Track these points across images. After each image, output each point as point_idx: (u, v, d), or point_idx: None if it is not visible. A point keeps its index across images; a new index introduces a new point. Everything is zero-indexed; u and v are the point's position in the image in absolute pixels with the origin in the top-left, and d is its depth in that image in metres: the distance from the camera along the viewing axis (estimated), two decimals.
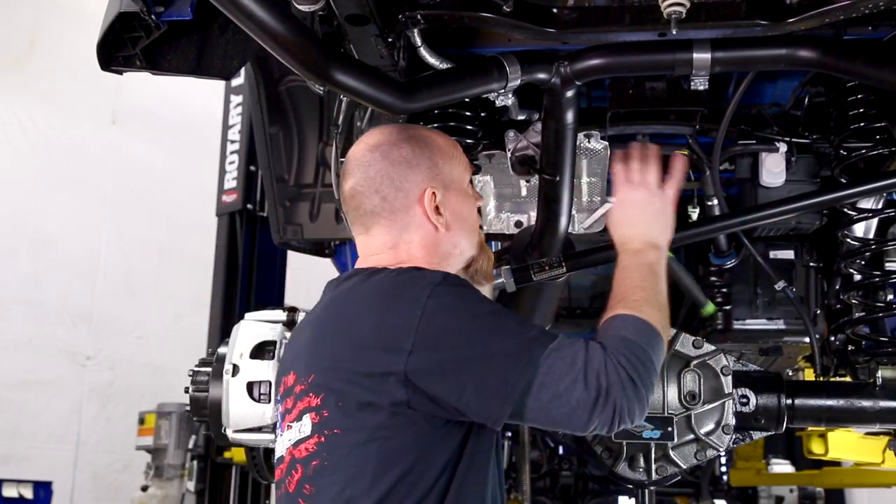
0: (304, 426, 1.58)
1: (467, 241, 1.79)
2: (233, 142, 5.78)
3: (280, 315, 2.50)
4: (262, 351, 2.40)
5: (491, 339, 1.48)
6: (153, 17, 1.85)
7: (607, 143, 2.38)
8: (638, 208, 1.82)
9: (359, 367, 1.52)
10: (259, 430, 2.37)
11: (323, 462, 1.54)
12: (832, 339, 2.78)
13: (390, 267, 1.65)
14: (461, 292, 1.56)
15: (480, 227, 1.85)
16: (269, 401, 2.33)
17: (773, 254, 2.91)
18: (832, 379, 2.80)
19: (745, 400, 2.35)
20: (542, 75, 1.95)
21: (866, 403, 2.39)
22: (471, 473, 1.54)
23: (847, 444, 4.59)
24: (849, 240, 2.48)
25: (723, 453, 2.41)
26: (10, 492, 6.31)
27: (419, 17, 1.86)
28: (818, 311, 2.92)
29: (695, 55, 1.87)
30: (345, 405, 1.53)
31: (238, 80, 5.45)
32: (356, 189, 1.73)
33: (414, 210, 1.71)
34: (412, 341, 1.48)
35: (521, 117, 2.27)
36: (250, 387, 2.35)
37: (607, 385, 1.44)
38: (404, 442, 1.49)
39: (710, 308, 1.92)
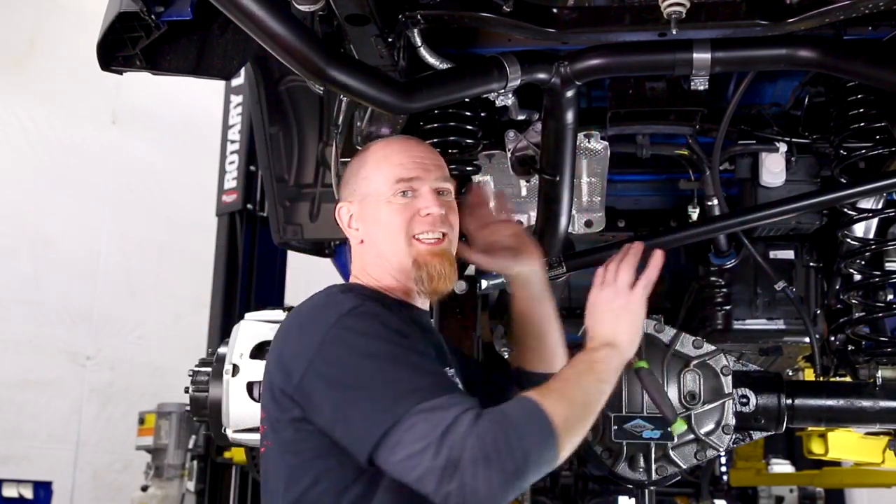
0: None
1: (388, 249, 1.70)
2: (233, 142, 5.78)
3: (280, 315, 2.50)
4: (262, 351, 2.41)
5: (372, 382, 1.44)
6: (153, 17, 1.85)
7: (607, 143, 2.38)
8: (604, 306, 1.72)
9: (275, 385, 1.57)
10: (259, 430, 2.37)
11: (264, 472, 1.65)
12: (832, 339, 2.78)
13: (338, 283, 1.76)
14: (366, 326, 1.50)
15: (424, 240, 1.70)
16: None
17: (773, 254, 2.91)
18: (832, 379, 2.80)
19: (745, 400, 2.35)
20: (542, 75, 1.95)
21: (866, 403, 2.40)
22: (389, 493, 1.49)
23: (847, 444, 4.59)
24: (849, 240, 2.48)
25: (723, 453, 2.41)
26: (10, 492, 6.31)
27: (419, 17, 1.86)
28: (818, 311, 2.92)
29: (695, 55, 1.87)
30: (269, 420, 1.60)
31: (238, 80, 5.45)
32: None
33: (341, 226, 1.80)
34: (304, 368, 1.49)
35: (521, 117, 2.27)
36: (250, 387, 2.35)
37: (458, 459, 1.33)
38: (307, 457, 1.52)
39: (678, 426, 1.79)
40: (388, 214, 1.70)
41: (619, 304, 1.71)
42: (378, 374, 1.44)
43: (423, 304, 1.77)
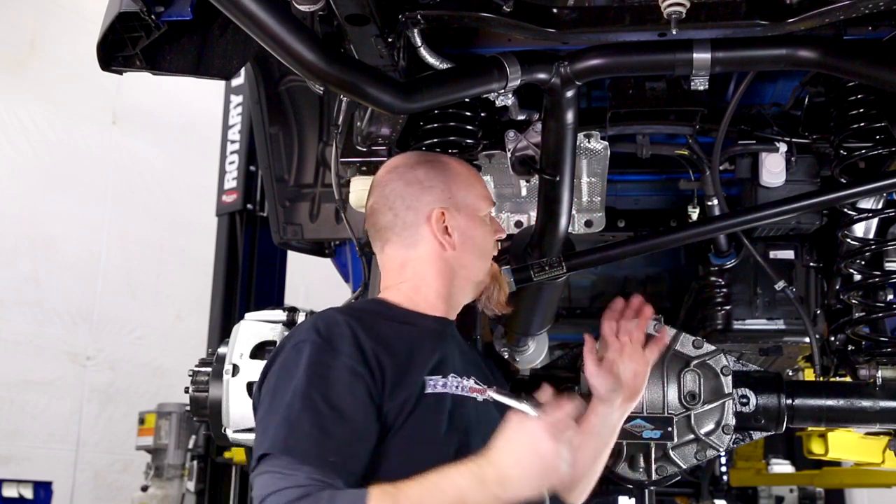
0: None
1: (476, 264, 1.83)
2: (233, 142, 5.79)
3: (280, 315, 2.50)
4: (262, 351, 2.41)
5: (282, 409, 1.51)
6: (153, 17, 1.85)
7: (607, 143, 2.38)
8: (521, 444, 1.45)
9: None
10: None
11: None
12: (832, 339, 2.78)
13: (391, 288, 1.81)
14: (310, 359, 1.55)
15: (499, 260, 1.88)
16: None
17: (773, 254, 2.91)
18: (832, 379, 2.80)
19: (745, 400, 2.35)
20: (542, 75, 1.95)
21: (866, 403, 2.39)
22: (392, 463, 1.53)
23: (847, 444, 4.60)
24: (849, 240, 2.48)
25: (723, 453, 2.41)
26: (10, 492, 6.31)
27: (419, 17, 1.86)
28: (818, 311, 2.92)
29: (695, 55, 1.87)
30: None
31: (238, 80, 5.46)
32: (373, 207, 1.86)
33: (422, 228, 1.80)
34: (260, 382, 1.65)
35: (521, 117, 2.27)
36: (250, 387, 2.35)
37: None
38: None
39: None
40: (485, 236, 1.86)
41: (545, 449, 1.44)
42: (287, 401, 1.52)
43: (451, 314, 1.84)
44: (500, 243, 1.95)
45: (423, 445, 1.55)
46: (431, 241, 1.80)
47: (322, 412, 1.49)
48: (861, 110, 2.28)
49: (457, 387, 1.67)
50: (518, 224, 2.60)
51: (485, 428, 1.64)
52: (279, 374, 1.58)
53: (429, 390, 1.61)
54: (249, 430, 2.36)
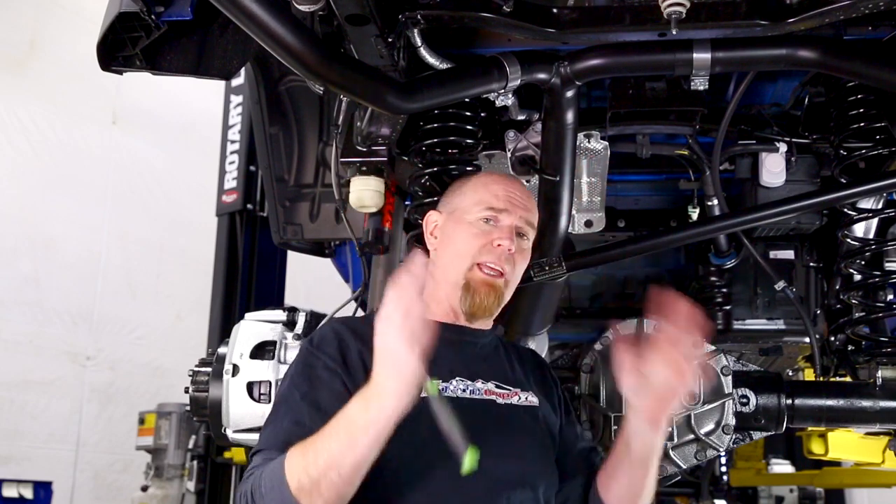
0: None
1: (451, 262, 1.78)
2: (233, 142, 5.78)
3: (280, 315, 2.50)
4: (262, 351, 2.41)
5: (277, 405, 1.67)
6: (153, 17, 1.85)
7: (607, 143, 2.38)
8: (380, 352, 1.44)
9: None
10: (259, 430, 2.36)
11: None
12: (832, 339, 2.78)
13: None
14: (298, 366, 1.69)
15: (485, 269, 1.75)
16: (269, 401, 2.33)
17: (773, 254, 2.91)
18: (832, 379, 2.80)
19: (745, 400, 2.35)
20: (542, 75, 1.95)
21: (866, 403, 2.40)
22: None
23: (847, 444, 4.59)
24: (849, 240, 2.48)
25: (723, 453, 2.41)
26: (10, 492, 6.31)
27: (419, 17, 1.86)
28: (818, 311, 2.92)
29: (695, 55, 1.87)
30: None
31: (238, 80, 5.45)
32: None
33: (426, 232, 1.90)
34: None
35: (521, 117, 2.27)
36: (250, 387, 2.35)
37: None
38: None
39: (469, 462, 1.49)
40: (465, 237, 1.79)
41: (393, 342, 1.42)
42: (275, 404, 1.69)
43: (474, 322, 1.80)
44: (504, 252, 1.76)
45: (402, 445, 1.51)
46: (427, 242, 1.87)
47: (299, 408, 1.60)
48: (861, 110, 2.28)
49: (463, 390, 1.69)
50: None
51: (505, 428, 1.68)
52: (281, 383, 1.74)
53: (424, 394, 1.58)
54: (249, 430, 2.36)
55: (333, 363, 1.64)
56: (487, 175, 1.92)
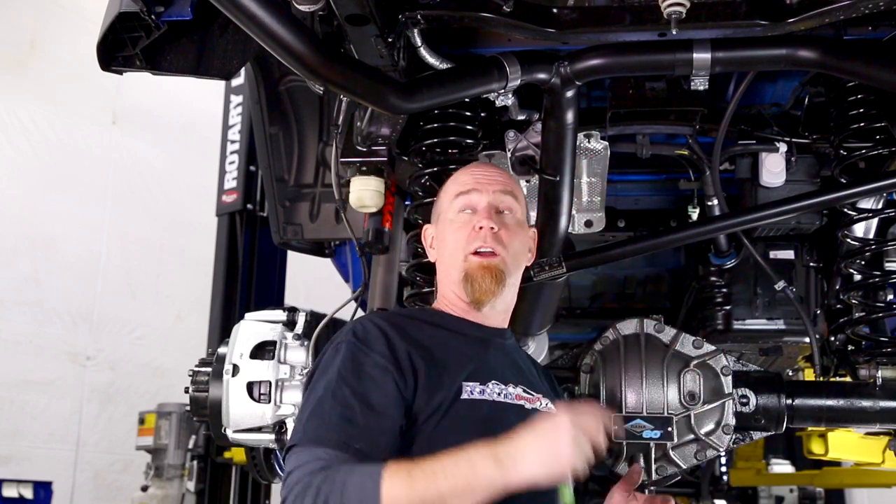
0: None
1: (450, 262, 1.80)
2: (233, 142, 5.79)
3: (280, 315, 2.50)
4: (262, 351, 2.41)
5: (314, 398, 1.61)
6: (153, 17, 1.85)
7: (607, 143, 2.38)
8: (540, 429, 1.45)
9: None
10: (259, 430, 2.37)
11: None
12: (832, 339, 2.78)
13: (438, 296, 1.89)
14: (344, 358, 1.64)
15: (477, 255, 1.75)
16: (269, 401, 2.33)
17: (773, 254, 2.91)
18: (832, 379, 2.80)
19: (745, 400, 2.35)
20: (542, 75, 1.95)
21: (866, 403, 2.39)
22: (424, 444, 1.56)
23: (847, 444, 4.59)
24: (849, 240, 2.48)
25: (723, 453, 2.40)
26: (10, 492, 6.31)
27: (419, 17, 1.86)
28: (818, 311, 2.92)
29: (695, 55, 1.87)
30: None
31: (238, 80, 5.45)
32: None
33: (427, 247, 1.91)
34: (305, 384, 1.83)
35: (521, 117, 2.27)
36: (250, 387, 2.35)
37: (285, 496, 1.50)
38: None
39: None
40: (451, 233, 1.79)
41: (562, 436, 1.43)
42: (319, 396, 1.60)
43: (491, 319, 1.81)
44: (486, 233, 1.75)
45: (449, 447, 1.51)
46: (430, 256, 1.90)
47: (350, 404, 1.55)
48: (861, 110, 2.28)
49: (499, 394, 1.69)
50: None
51: None
52: (318, 373, 1.67)
53: (465, 396, 1.63)
54: (249, 430, 2.37)
55: (385, 361, 1.60)
56: (459, 171, 1.90)
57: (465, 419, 1.60)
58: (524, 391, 1.73)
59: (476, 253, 1.75)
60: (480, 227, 1.74)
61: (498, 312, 1.82)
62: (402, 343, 1.64)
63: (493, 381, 1.69)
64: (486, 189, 1.78)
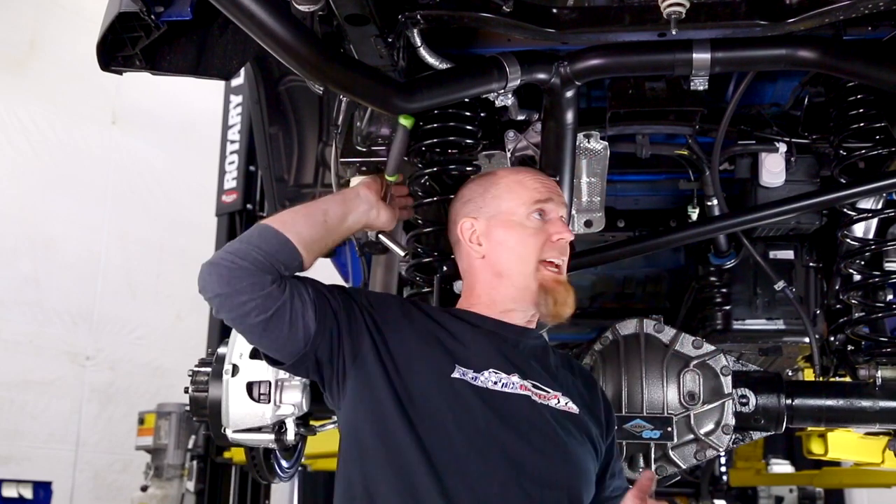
0: None
1: (514, 268, 1.80)
2: (233, 142, 5.79)
3: None
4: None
5: None
6: (153, 17, 1.85)
7: (607, 143, 2.38)
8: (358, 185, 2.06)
9: None
10: (259, 430, 2.37)
11: None
12: (832, 339, 2.78)
13: (462, 293, 1.94)
14: (368, 295, 1.83)
15: (550, 268, 1.80)
16: (269, 401, 2.33)
17: (773, 254, 2.91)
18: (832, 379, 2.80)
19: (744, 400, 2.35)
20: (541, 75, 1.95)
21: (866, 403, 2.40)
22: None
23: (847, 444, 4.60)
24: (849, 240, 2.48)
25: (722, 453, 2.41)
26: (9, 492, 6.31)
27: (419, 17, 1.86)
28: (818, 311, 2.92)
29: (694, 55, 1.87)
30: None
31: (238, 80, 5.45)
32: None
33: (461, 242, 1.89)
34: None
35: (521, 117, 2.26)
36: (250, 387, 2.35)
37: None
38: None
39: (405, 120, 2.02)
40: (521, 237, 1.81)
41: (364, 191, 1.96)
42: None
43: (522, 321, 1.83)
44: (565, 246, 1.84)
45: (445, 425, 1.63)
46: (469, 252, 1.87)
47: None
48: (861, 110, 2.28)
49: (495, 382, 1.70)
50: None
51: (538, 424, 1.69)
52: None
53: (455, 375, 1.69)
54: (249, 430, 2.36)
55: (361, 312, 1.73)
56: (513, 172, 1.93)
57: (448, 397, 1.66)
58: (534, 385, 1.74)
59: (548, 263, 1.80)
60: (559, 239, 1.81)
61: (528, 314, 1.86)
62: (367, 303, 1.75)
63: (490, 370, 1.71)
64: (559, 201, 1.87)
